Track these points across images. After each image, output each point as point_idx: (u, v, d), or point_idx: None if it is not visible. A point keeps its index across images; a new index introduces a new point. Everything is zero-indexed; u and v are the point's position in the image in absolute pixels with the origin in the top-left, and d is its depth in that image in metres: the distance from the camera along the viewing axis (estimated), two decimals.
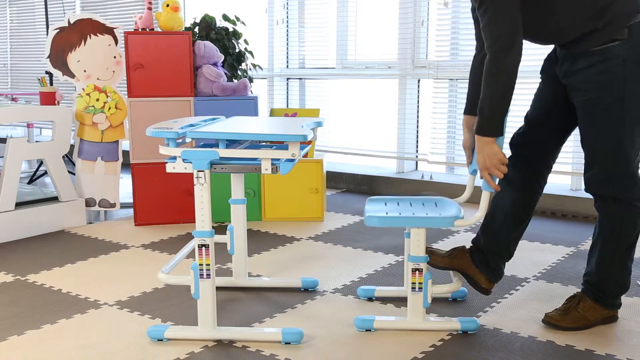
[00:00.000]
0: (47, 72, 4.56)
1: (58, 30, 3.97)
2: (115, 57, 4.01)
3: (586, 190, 2.33)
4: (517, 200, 2.43)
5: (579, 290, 2.46)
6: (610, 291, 2.38)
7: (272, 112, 4.34)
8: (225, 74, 4.01)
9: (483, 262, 2.46)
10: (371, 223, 2.30)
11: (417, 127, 4.92)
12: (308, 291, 2.80)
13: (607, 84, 2.19)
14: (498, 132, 2.21)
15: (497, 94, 2.17)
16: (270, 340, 2.29)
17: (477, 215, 2.28)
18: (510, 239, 2.47)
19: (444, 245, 3.46)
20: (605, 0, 2.15)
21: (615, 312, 2.44)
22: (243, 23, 4.36)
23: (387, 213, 2.34)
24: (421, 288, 2.33)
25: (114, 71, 4.00)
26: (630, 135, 2.20)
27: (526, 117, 2.48)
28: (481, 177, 2.29)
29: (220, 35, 4.16)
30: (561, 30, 2.24)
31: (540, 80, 2.48)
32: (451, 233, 3.69)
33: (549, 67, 2.42)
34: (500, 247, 2.47)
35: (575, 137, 4.15)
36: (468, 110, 2.44)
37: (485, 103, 2.20)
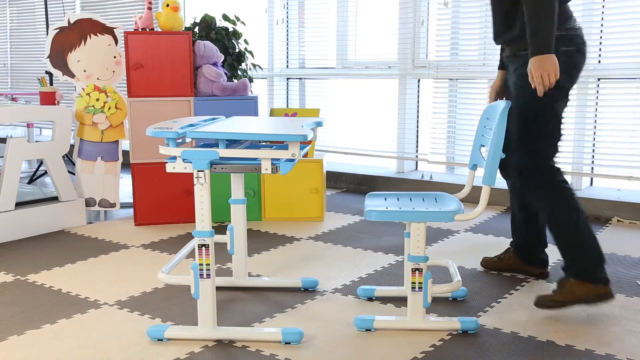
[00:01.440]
0: (47, 72, 4.56)
1: (58, 30, 3.97)
2: (115, 57, 4.01)
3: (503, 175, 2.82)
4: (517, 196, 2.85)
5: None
6: (579, 265, 2.52)
7: (272, 112, 4.34)
8: (225, 74, 4.01)
9: (526, 257, 2.92)
10: (371, 217, 2.31)
11: (417, 127, 4.92)
12: (308, 291, 2.80)
13: (523, 85, 2.52)
14: (552, 48, 2.42)
15: (547, 14, 2.40)
16: (270, 340, 2.29)
17: (478, 209, 2.28)
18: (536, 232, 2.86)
19: (444, 244, 3.46)
20: None
21: (606, 288, 2.47)
22: (243, 23, 4.37)
23: (387, 208, 2.35)
24: (421, 288, 2.33)
25: (114, 71, 4.00)
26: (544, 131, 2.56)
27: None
28: (541, 84, 2.45)
29: (220, 35, 4.17)
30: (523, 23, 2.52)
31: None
32: (451, 233, 3.69)
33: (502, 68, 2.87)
34: (534, 240, 2.88)
35: (574, 137, 4.16)
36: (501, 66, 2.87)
37: (537, 24, 2.42)
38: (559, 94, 2.52)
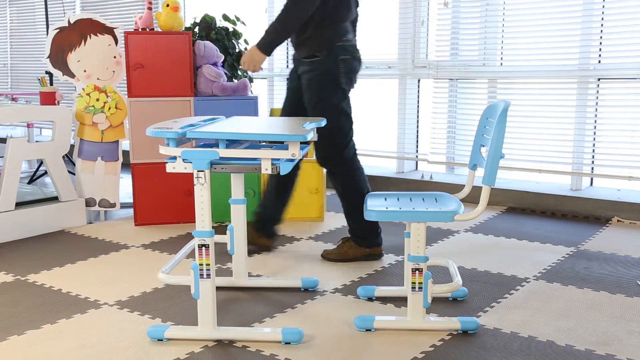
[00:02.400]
0: (47, 72, 4.56)
1: (58, 30, 3.97)
2: (115, 57, 4.01)
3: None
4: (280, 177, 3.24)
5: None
6: (358, 233, 3.15)
7: (272, 112, 4.34)
8: (225, 74, 4.01)
9: (261, 228, 3.30)
10: (371, 217, 2.31)
11: (417, 127, 4.92)
12: (308, 291, 2.80)
13: (313, 87, 3.01)
14: (269, 52, 3.01)
15: (284, 30, 2.95)
16: (270, 340, 2.29)
17: (478, 209, 2.28)
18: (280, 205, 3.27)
19: (444, 244, 3.47)
20: (319, 16, 2.92)
21: (375, 250, 3.18)
22: (243, 23, 4.37)
23: (387, 208, 2.35)
24: (421, 288, 2.33)
25: (114, 71, 4.00)
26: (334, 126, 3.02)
27: (282, 110, 3.21)
28: (243, 66, 3.04)
29: (220, 35, 4.17)
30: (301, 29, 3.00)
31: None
32: (451, 233, 3.69)
33: (294, 69, 3.16)
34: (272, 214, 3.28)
35: (574, 137, 4.16)
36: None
37: (274, 29, 2.94)
38: (342, 95, 3.02)
